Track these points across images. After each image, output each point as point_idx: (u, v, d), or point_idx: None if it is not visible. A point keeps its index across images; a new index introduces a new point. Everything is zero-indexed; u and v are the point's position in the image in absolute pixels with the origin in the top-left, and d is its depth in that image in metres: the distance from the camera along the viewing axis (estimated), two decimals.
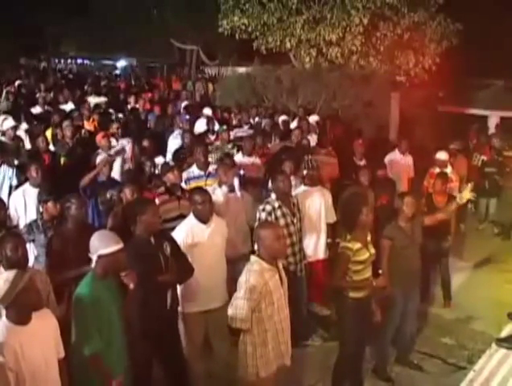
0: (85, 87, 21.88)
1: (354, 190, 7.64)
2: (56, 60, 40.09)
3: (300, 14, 17.20)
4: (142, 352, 5.83)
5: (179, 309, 6.38)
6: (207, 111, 14.49)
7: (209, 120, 13.08)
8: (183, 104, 16.01)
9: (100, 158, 9.27)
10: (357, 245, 6.36)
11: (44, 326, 4.64)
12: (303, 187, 8.41)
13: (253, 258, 5.44)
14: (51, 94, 18.17)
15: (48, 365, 4.62)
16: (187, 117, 14.20)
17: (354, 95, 16.16)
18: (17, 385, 4.38)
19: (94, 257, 5.18)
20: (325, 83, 16.53)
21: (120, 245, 5.22)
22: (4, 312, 4.53)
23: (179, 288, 6.31)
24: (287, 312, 5.58)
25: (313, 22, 17.17)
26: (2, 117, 11.45)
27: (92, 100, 16.37)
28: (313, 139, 12.21)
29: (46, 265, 6.42)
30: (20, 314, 4.48)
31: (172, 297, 6.14)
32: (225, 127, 12.30)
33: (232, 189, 8.06)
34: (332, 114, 15.74)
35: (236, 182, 8.22)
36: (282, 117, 14.13)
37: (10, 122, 10.90)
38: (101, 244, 5.18)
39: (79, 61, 39.97)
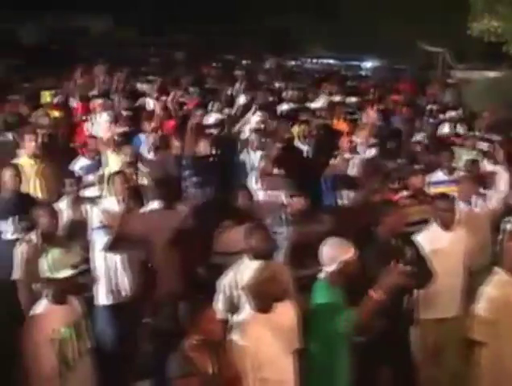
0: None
1: None
2: (302, 60, 41.25)
3: None
4: (371, 353, 5.81)
5: (415, 314, 6.38)
6: (450, 114, 14.22)
7: (453, 122, 12.83)
8: (430, 106, 15.75)
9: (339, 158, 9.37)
10: None
11: (284, 316, 4.86)
12: None
13: (496, 269, 5.33)
14: (298, 92, 18.71)
15: (284, 355, 4.83)
16: (431, 120, 14.00)
17: None
18: (254, 370, 4.64)
19: (331, 265, 5.09)
20: None
21: (354, 250, 5.17)
22: (247, 300, 4.87)
23: (417, 293, 6.30)
24: None
25: None
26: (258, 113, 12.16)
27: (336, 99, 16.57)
28: None
29: (288, 259, 6.58)
30: (262, 303, 4.75)
31: (408, 302, 6.17)
32: (471, 133, 11.97)
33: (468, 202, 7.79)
34: None
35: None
36: None
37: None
38: (340, 251, 5.09)
39: (324, 61, 40.76)
